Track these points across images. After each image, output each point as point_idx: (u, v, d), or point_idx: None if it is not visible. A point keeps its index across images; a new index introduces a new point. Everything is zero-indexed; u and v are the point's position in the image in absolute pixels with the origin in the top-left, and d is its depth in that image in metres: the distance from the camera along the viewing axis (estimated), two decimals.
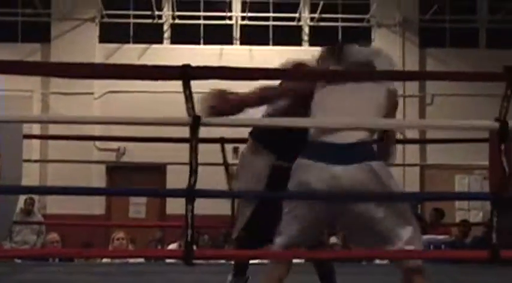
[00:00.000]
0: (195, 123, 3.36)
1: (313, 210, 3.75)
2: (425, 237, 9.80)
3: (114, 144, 13.43)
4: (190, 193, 3.37)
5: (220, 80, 3.68)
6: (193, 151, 3.41)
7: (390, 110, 3.88)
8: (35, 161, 11.86)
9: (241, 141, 8.90)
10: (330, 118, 3.79)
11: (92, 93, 13.85)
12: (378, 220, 3.71)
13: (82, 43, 14.05)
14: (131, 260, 8.59)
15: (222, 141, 6.95)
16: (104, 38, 14.52)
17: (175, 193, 3.98)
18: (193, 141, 3.40)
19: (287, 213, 3.80)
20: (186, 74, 3.37)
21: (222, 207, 6.81)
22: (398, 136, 11.80)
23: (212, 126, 3.66)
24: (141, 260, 8.91)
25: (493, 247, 3.50)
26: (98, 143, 13.32)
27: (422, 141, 13.24)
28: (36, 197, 11.23)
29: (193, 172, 3.38)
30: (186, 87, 3.37)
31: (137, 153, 12.79)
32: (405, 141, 13.32)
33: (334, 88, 3.90)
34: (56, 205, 12.61)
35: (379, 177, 3.67)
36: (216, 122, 3.76)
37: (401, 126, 4.66)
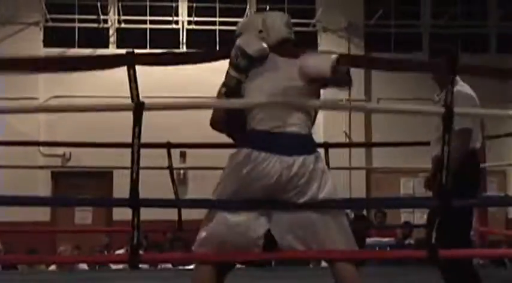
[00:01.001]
0: (137, 108, 3.37)
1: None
2: (371, 239, 9.98)
3: (60, 150, 13.30)
4: (135, 203, 3.39)
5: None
6: (137, 138, 3.40)
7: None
8: None
9: (187, 146, 9.00)
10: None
11: (36, 98, 13.68)
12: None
13: (26, 47, 13.82)
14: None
15: (169, 146, 6.96)
16: (48, 43, 14.35)
17: (120, 202, 3.95)
18: (137, 127, 3.40)
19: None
20: (130, 58, 3.41)
21: (168, 212, 6.81)
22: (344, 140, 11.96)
23: (155, 110, 3.67)
24: (85, 267, 8.88)
25: (431, 247, 3.58)
26: (42, 149, 13.19)
27: (368, 145, 13.42)
28: None
29: (135, 173, 3.39)
30: (131, 71, 3.39)
31: (83, 159, 12.67)
32: (351, 145, 13.57)
33: (256, 73, 3.97)
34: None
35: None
36: (158, 106, 3.77)
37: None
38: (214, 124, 4.20)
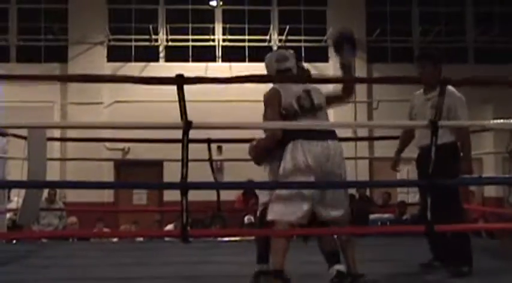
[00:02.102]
0: (186, 126, 3.43)
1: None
2: (374, 215, 9.92)
3: (121, 145, 13.39)
4: (184, 186, 3.44)
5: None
6: (185, 149, 3.47)
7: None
8: (56, 159, 11.84)
9: (224, 141, 9.04)
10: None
11: (101, 103, 13.82)
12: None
13: (93, 62, 14.01)
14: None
15: (209, 141, 7.00)
16: (111, 58, 14.49)
17: (172, 186, 4.01)
18: (185, 140, 3.46)
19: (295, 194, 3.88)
20: (179, 80, 3.46)
21: (209, 194, 6.84)
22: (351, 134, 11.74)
23: (202, 129, 3.73)
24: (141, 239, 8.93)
25: (428, 223, 3.59)
26: (107, 144, 13.28)
27: (370, 138, 13.35)
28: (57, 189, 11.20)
29: (184, 166, 3.44)
30: (180, 92, 3.44)
31: (139, 152, 12.74)
32: (356, 139, 13.52)
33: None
34: (74, 194, 12.56)
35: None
36: (204, 125, 3.83)
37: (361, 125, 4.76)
38: (257, 160, 4.26)
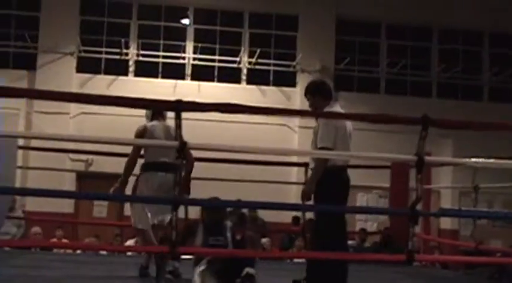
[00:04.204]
0: (181, 146, 3.54)
1: None
2: None
3: (84, 156, 13.29)
4: (176, 201, 3.55)
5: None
6: (179, 168, 3.60)
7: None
8: (19, 167, 11.69)
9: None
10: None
11: (67, 113, 13.75)
12: None
13: (62, 72, 13.96)
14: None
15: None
16: (79, 69, 14.45)
17: (163, 200, 4.09)
18: (181, 159, 3.58)
19: None
20: (178, 107, 3.55)
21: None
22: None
23: (196, 150, 3.85)
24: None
25: (409, 252, 3.73)
26: (71, 155, 13.22)
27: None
28: (17, 197, 11.05)
29: (177, 184, 3.56)
30: (178, 117, 3.54)
31: (102, 164, 12.70)
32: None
33: None
34: (33, 204, 12.44)
35: None
36: (199, 147, 3.94)
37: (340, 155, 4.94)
38: None
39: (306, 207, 4.82)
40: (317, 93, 5.19)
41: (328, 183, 4.87)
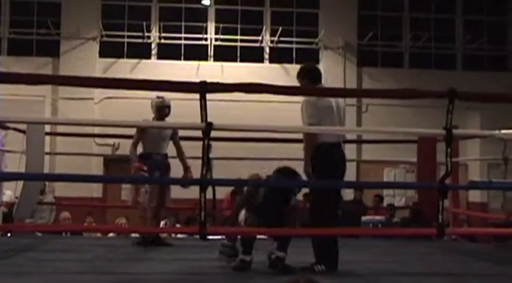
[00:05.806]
0: (207, 127, 3.55)
1: None
2: (366, 217, 10.06)
3: (110, 141, 13.39)
4: (204, 182, 3.56)
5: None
6: (205, 149, 3.59)
7: None
8: (46, 154, 11.77)
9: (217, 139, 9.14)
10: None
11: (92, 99, 13.83)
12: None
13: (85, 58, 14.05)
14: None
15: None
16: (102, 54, 14.50)
17: (191, 181, 4.11)
18: (206, 141, 3.59)
19: None
20: (203, 88, 3.55)
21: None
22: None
23: (222, 131, 3.85)
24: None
25: (440, 226, 3.72)
26: (97, 139, 13.34)
27: (358, 141, 13.50)
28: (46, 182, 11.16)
29: (205, 165, 3.56)
30: (203, 98, 3.54)
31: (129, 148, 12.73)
32: (345, 142, 13.64)
33: None
34: (62, 189, 12.57)
35: None
36: (224, 127, 3.94)
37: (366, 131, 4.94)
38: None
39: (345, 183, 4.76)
40: (306, 77, 5.26)
41: (318, 160, 4.95)
